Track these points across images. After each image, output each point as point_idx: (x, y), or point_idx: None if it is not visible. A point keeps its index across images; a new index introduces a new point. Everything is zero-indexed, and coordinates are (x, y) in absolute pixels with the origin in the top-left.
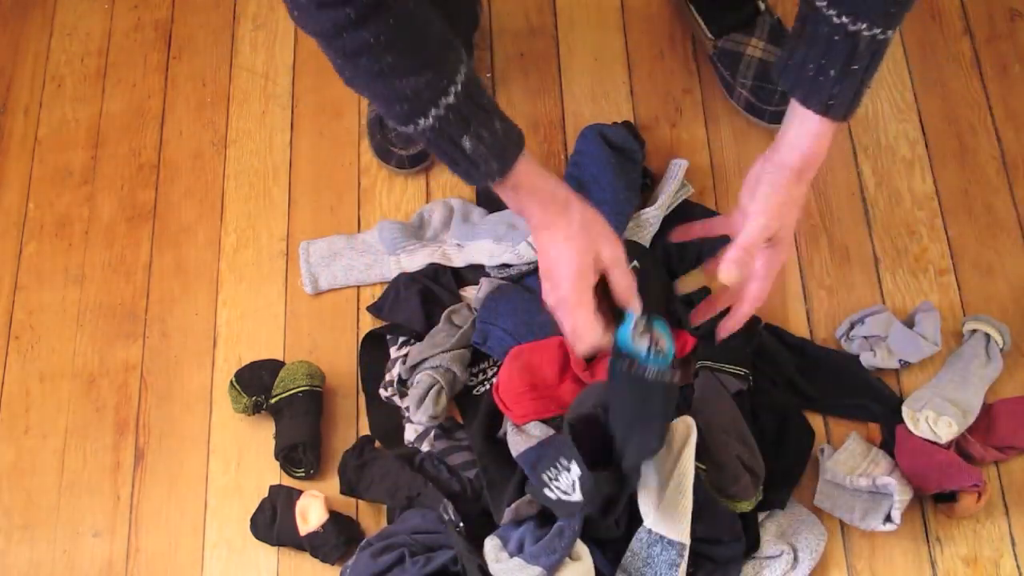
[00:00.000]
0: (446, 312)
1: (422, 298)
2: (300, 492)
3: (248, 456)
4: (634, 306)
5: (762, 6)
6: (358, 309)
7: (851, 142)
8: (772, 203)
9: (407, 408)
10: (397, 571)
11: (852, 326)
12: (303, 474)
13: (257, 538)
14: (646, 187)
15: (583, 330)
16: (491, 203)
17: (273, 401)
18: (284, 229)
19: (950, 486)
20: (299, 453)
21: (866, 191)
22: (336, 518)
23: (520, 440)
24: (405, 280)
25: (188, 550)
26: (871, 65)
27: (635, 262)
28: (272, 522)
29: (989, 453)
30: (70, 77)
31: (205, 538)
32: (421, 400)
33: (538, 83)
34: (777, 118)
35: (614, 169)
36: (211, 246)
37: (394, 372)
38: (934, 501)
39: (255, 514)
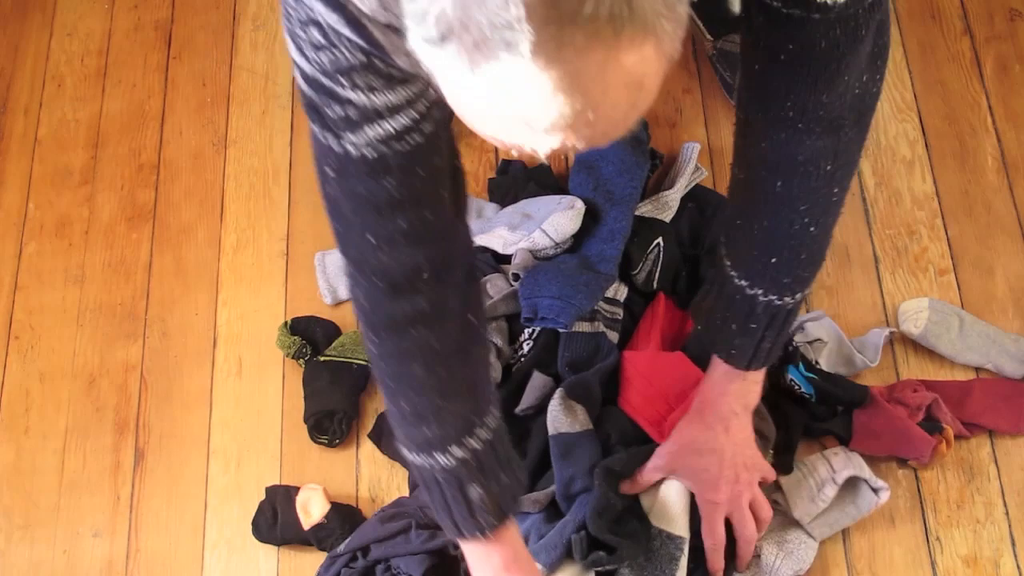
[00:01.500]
0: (481, 282)
1: None
2: (297, 488)
3: (248, 456)
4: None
5: None
6: None
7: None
8: (667, 447)
9: None
10: (401, 539)
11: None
12: (327, 441)
13: (260, 541)
14: (655, 167)
15: None
16: (503, 198)
17: (323, 359)
18: (284, 229)
19: (903, 454)
20: (332, 421)
21: (866, 191)
22: (338, 508)
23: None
24: None
25: (188, 550)
26: (771, 325)
27: (659, 239)
28: (274, 522)
29: (955, 425)
30: (70, 77)
31: (205, 538)
32: None
33: None
34: None
35: (620, 144)
36: (211, 246)
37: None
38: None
39: (256, 517)
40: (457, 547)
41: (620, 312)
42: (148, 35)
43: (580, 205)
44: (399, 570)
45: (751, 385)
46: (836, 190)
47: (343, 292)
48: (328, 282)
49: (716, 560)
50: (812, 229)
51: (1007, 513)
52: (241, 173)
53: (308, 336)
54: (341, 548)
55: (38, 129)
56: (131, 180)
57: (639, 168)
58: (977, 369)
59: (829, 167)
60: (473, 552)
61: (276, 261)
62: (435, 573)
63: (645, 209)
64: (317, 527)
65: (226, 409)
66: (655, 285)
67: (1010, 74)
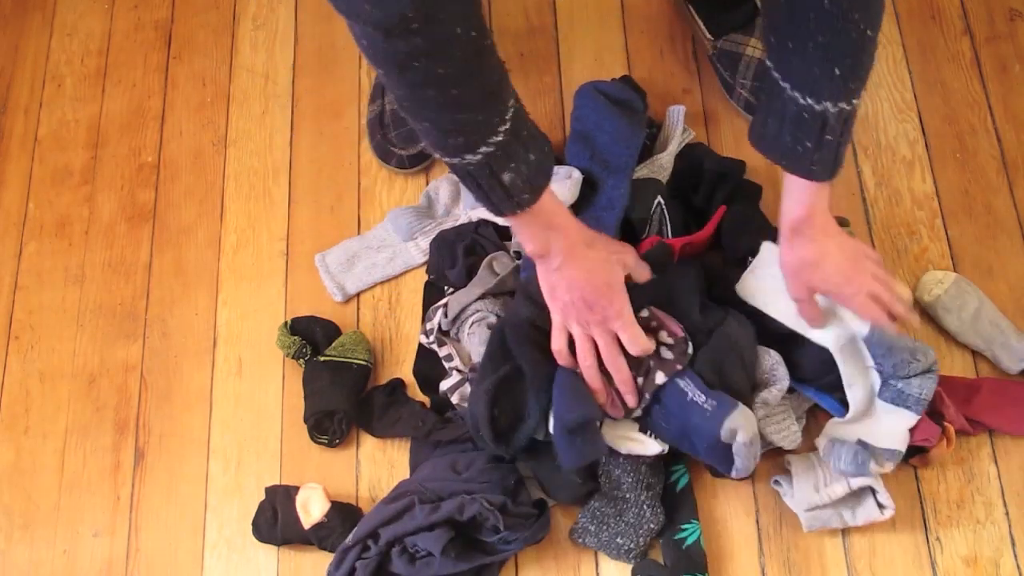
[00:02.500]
0: (487, 260)
1: (466, 252)
2: (297, 488)
3: (248, 456)
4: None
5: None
6: (358, 310)
7: (851, 142)
8: (789, 282)
9: (446, 357)
10: (407, 516)
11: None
12: (327, 441)
13: (261, 541)
14: (652, 135)
15: (642, 338)
16: None
17: (323, 359)
18: (284, 229)
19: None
20: (333, 421)
21: (866, 191)
22: (338, 507)
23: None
24: (450, 236)
25: (188, 550)
26: (844, 130)
27: (659, 199)
28: (274, 522)
29: (958, 420)
30: (70, 77)
31: (205, 538)
32: (483, 343)
33: (538, 83)
34: None
35: (614, 113)
36: (211, 246)
37: (434, 321)
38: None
39: (256, 517)
40: (462, 512)
41: None
42: (148, 35)
43: (577, 175)
44: (417, 548)
45: (829, 192)
46: None
47: (351, 287)
48: (333, 280)
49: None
50: (869, 33)
51: (1007, 513)
52: (241, 173)
53: (308, 336)
54: (349, 540)
55: (38, 129)
56: (131, 180)
57: (635, 136)
58: (975, 353)
59: None
60: (517, 223)
61: (276, 261)
62: (454, 547)
63: (640, 173)
64: (317, 526)
65: (226, 409)
66: None
67: (1010, 74)
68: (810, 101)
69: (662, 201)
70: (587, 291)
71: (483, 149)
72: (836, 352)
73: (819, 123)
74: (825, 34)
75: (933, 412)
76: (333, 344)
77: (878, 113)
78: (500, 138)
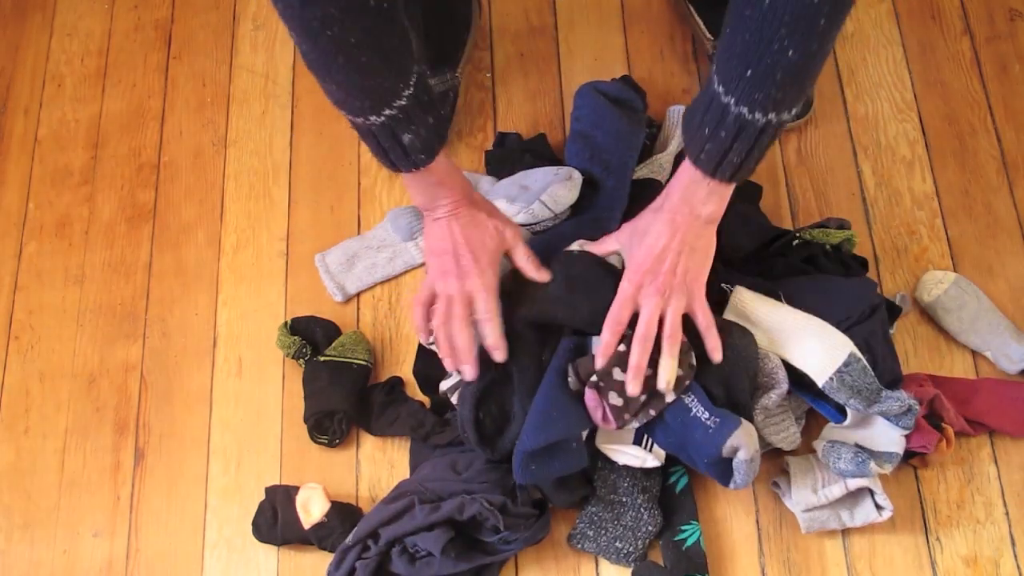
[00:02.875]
0: None
1: None
2: (297, 488)
3: (248, 456)
4: (542, 275)
5: None
6: (358, 310)
7: (851, 142)
8: (624, 226)
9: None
10: (407, 517)
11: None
12: (327, 441)
13: (260, 541)
14: (652, 135)
15: (495, 310)
16: (499, 171)
17: (322, 359)
18: (284, 229)
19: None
20: (333, 421)
21: (866, 191)
22: (338, 507)
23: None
24: None
25: (188, 550)
26: (739, 138)
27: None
28: (274, 522)
29: (958, 422)
30: (70, 77)
31: (205, 538)
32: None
33: (538, 83)
34: None
35: (614, 114)
36: (211, 246)
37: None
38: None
39: (256, 517)
40: (461, 512)
41: None
42: (148, 35)
43: (577, 176)
44: (417, 549)
45: (714, 195)
46: (823, 22)
47: (352, 287)
48: (334, 280)
49: (609, 342)
50: (791, 53)
51: (1007, 513)
52: (241, 173)
53: (308, 336)
54: (349, 540)
55: (38, 129)
56: (131, 180)
57: (634, 136)
58: (975, 353)
59: None
60: (410, 179)
61: (276, 261)
62: (454, 547)
63: (640, 173)
64: (317, 526)
65: (226, 409)
66: None
67: (1010, 74)
68: (719, 89)
69: None
70: (459, 243)
71: (387, 112)
72: (822, 381)
73: (718, 114)
74: (751, 33)
75: (932, 414)
76: (333, 344)
77: (878, 113)
78: (403, 102)
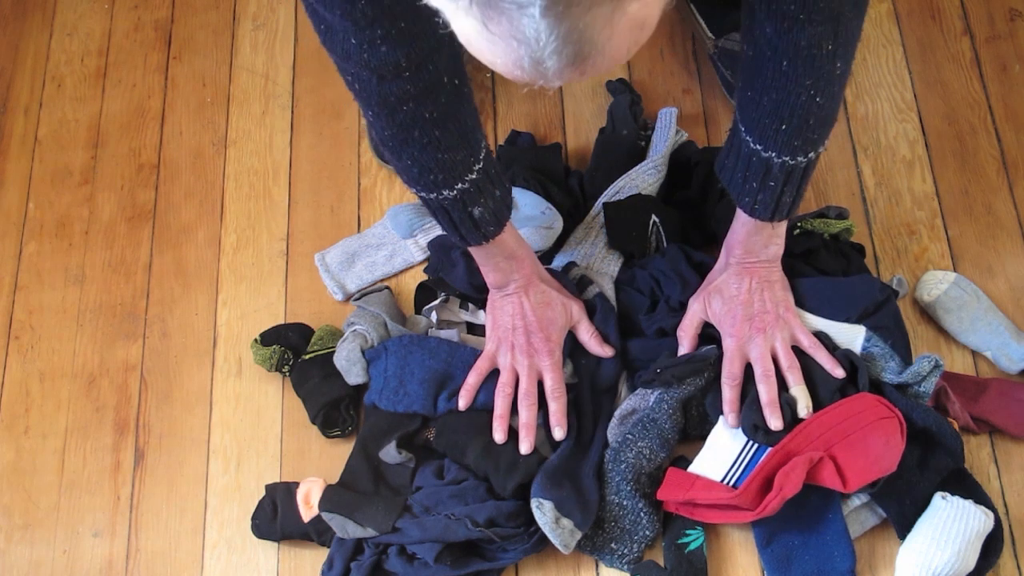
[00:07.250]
0: (430, 307)
1: (466, 255)
2: (297, 484)
3: (248, 456)
4: (605, 351)
5: None
6: None
7: (851, 142)
8: (697, 295)
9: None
10: (395, 535)
11: None
12: (340, 432)
13: (259, 537)
14: (646, 138)
15: (561, 389)
16: (507, 167)
17: (307, 358)
18: (284, 229)
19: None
20: (340, 410)
21: (866, 191)
22: None
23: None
24: (449, 240)
25: (188, 550)
26: (788, 182)
27: (652, 216)
28: (274, 517)
29: (963, 417)
30: (70, 77)
31: (205, 538)
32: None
33: None
34: None
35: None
36: (211, 246)
37: (432, 318)
38: None
39: (255, 514)
40: (447, 536)
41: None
42: (148, 35)
43: (558, 227)
44: (414, 551)
45: (774, 236)
46: (839, 64)
47: (352, 285)
48: (334, 279)
49: (732, 397)
50: (818, 99)
51: (1007, 513)
52: (241, 173)
53: (284, 343)
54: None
55: (38, 129)
56: (131, 180)
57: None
58: (975, 353)
59: (831, 47)
60: (483, 257)
61: (276, 261)
62: (450, 553)
63: (636, 175)
64: (317, 519)
65: (226, 409)
66: None
67: (1010, 74)
68: (758, 147)
69: (656, 220)
70: (531, 320)
71: (459, 186)
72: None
73: (763, 169)
74: (778, 92)
75: (938, 407)
76: (311, 341)
77: (878, 113)
78: (474, 176)
